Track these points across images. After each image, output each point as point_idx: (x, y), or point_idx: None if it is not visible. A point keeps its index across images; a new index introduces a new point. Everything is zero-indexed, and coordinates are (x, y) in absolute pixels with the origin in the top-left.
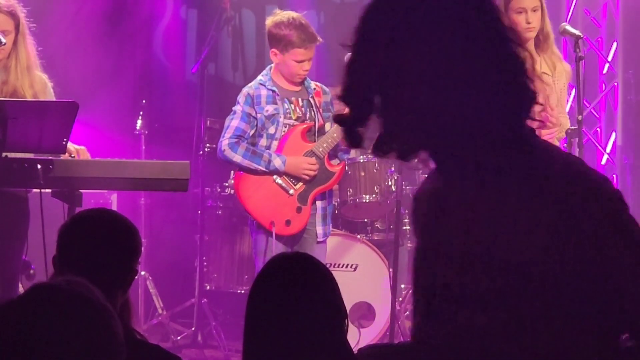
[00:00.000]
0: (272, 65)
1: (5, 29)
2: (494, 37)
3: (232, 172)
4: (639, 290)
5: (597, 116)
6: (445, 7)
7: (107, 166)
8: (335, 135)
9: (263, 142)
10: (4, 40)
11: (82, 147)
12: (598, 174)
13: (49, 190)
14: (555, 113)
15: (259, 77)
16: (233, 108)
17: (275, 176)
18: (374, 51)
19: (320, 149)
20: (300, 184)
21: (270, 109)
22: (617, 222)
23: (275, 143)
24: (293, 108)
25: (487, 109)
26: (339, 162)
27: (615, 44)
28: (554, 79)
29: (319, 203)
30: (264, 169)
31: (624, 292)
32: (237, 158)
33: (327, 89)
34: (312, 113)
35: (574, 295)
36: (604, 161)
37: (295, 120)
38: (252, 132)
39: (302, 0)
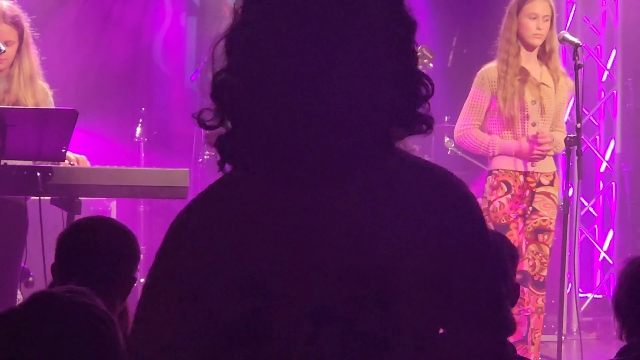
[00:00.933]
0: None
1: (8, 39)
2: (387, 18)
3: None
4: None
5: (596, 124)
6: None
7: (106, 174)
8: None
9: None
10: (3, 48)
11: (82, 156)
12: (464, 184)
13: (48, 198)
14: (545, 133)
15: None
16: None
17: None
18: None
19: None
20: None
21: None
22: (483, 235)
23: None
24: None
25: (363, 102)
26: None
27: (614, 52)
28: (555, 91)
29: None
30: None
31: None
32: None
33: None
34: None
35: (434, 303)
36: (602, 169)
37: None
38: None
39: None
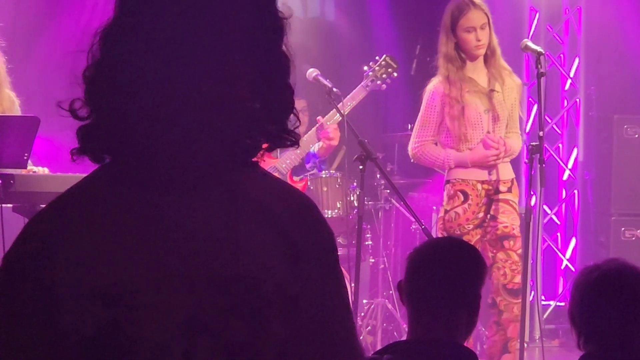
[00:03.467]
0: None
1: None
2: (250, 23)
3: None
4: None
5: (559, 132)
6: None
7: (69, 181)
8: (299, 151)
9: None
10: None
11: (45, 168)
12: (318, 210)
13: (9, 206)
14: (495, 137)
15: None
16: None
17: None
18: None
19: (284, 165)
20: None
21: None
22: (334, 261)
23: None
24: None
25: (221, 110)
26: (301, 177)
27: (577, 60)
28: (503, 95)
29: None
30: None
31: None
32: None
33: None
34: None
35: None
36: (565, 177)
37: None
38: None
39: None
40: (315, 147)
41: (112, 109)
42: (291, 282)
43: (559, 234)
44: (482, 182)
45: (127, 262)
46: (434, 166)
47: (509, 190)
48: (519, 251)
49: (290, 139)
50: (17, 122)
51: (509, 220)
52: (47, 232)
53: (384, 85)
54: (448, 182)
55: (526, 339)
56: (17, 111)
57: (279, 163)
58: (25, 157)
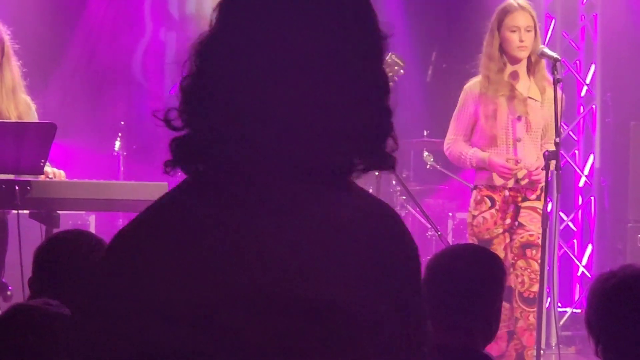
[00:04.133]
0: None
1: None
2: (366, 46)
3: None
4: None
5: (575, 139)
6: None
7: (85, 187)
8: None
9: None
10: None
11: (61, 171)
12: (403, 224)
13: (26, 212)
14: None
15: None
16: None
17: None
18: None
19: None
20: None
21: None
22: (418, 274)
23: None
24: None
25: (322, 130)
26: None
27: (593, 67)
28: (542, 105)
29: None
30: None
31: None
32: None
33: None
34: None
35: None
36: (581, 183)
37: None
38: None
39: None
40: None
41: (206, 122)
42: (377, 301)
43: (575, 241)
44: (510, 189)
45: (212, 283)
46: (459, 163)
47: (538, 198)
48: (539, 261)
49: (386, 162)
50: (34, 128)
51: (535, 228)
52: (132, 246)
53: (391, 83)
54: (475, 187)
55: (543, 346)
56: (33, 115)
57: None
58: (41, 164)
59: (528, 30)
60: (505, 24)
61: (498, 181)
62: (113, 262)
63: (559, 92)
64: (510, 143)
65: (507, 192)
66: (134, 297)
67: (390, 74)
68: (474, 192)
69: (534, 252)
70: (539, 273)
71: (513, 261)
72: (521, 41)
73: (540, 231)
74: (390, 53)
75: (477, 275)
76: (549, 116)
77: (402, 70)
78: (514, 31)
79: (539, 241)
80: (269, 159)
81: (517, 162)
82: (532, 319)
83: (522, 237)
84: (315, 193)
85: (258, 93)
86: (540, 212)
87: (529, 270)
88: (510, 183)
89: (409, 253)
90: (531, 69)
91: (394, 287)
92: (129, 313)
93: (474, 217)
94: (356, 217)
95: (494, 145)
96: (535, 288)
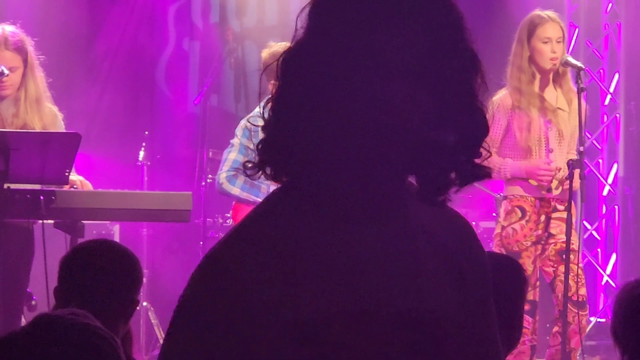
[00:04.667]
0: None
1: (12, 65)
2: (466, 59)
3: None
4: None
5: (599, 147)
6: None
7: (110, 197)
8: None
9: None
10: (6, 72)
11: (82, 177)
12: (476, 234)
13: (51, 222)
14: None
15: (257, 109)
16: (231, 141)
17: None
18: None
19: None
20: None
21: None
22: (489, 284)
23: None
24: None
25: (428, 143)
26: None
27: (617, 76)
28: (570, 114)
29: None
30: None
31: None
32: (236, 191)
33: None
34: None
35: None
36: (605, 192)
37: None
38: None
39: None
40: None
41: (295, 130)
42: (460, 312)
43: (599, 250)
44: (541, 199)
45: (325, 297)
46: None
47: (566, 208)
48: (580, 265)
49: (481, 173)
50: (58, 138)
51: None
52: (238, 258)
53: None
54: (505, 197)
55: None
56: (60, 125)
57: None
58: (66, 174)
59: (559, 42)
60: (537, 35)
61: (531, 191)
62: (221, 275)
63: (582, 102)
64: (544, 154)
65: (537, 203)
66: (243, 314)
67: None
68: (504, 202)
69: (572, 257)
70: (583, 277)
71: (554, 268)
72: (553, 52)
73: (573, 238)
74: None
75: (498, 281)
76: (574, 127)
77: None
78: (546, 42)
79: (574, 247)
80: (359, 170)
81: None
82: (584, 322)
83: (555, 245)
84: (402, 204)
85: (347, 105)
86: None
87: (571, 274)
88: (544, 191)
89: (486, 264)
90: (557, 79)
91: (471, 293)
92: (238, 331)
93: (503, 227)
94: (438, 226)
95: (528, 156)
96: (583, 291)
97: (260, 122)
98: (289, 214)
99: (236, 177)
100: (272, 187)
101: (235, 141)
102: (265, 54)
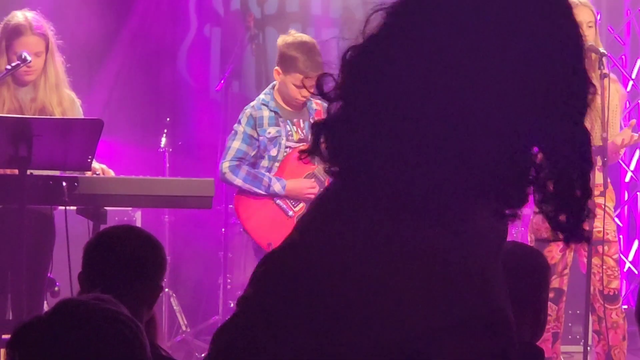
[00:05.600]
0: (275, 83)
1: (38, 50)
2: (573, 67)
3: None
4: None
5: None
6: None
7: (132, 183)
8: None
9: (264, 163)
10: (29, 58)
11: (104, 166)
12: None
13: (73, 208)
14: None
15: (262, 96)
16: (234, 127)
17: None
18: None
19: (323, 171)
20: (301, 205)
21: (272, 131)
22: None
23: (276, 165)
24: (295, 130)
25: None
26: None
27: (639, 62)
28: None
29: None
30: (264, 193)
31: None
32: (238, 182)
33: None
34: None
35: None
36: (627, 179)
37: (296, 142)
38: (253, 154)
39: (326, 20)
40: None
41: (370, 129)
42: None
43: (621, 237)
44: None
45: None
46: None
47: (601, 194)
48: (615, 256)
49: (519, 201)
50: (81, 124)
51: (600, 224)
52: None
53: None
54: None
55: (589, 342)
56: (78, 110)
57: (317, 169)
58: (89, 160)
59: (590, 26)
60: None
61: None
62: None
63: (619, 86)
64: None
65: None
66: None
67: None
68: None
69: (605, 248)
70: (616, 269)
71: (587, 260)
72: (585, 36)
73: (609, 227)
74: None
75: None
76: (611, 111)
77: None
78: None
79: (609, 237)
80: (419, 182)
81: None
82: (614, 316)
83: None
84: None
85: (435, 116)
86: (607, 209)
87: (604, 267)
88: None
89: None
90: (590, 64)
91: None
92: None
93: (535, 213)
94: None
95: None
96: (614, 285)
97: (267, 112)
98: (353, 217)
99: (239, 168)
100: (273, 179)
101: (239, 129)
102: (281, 40)
